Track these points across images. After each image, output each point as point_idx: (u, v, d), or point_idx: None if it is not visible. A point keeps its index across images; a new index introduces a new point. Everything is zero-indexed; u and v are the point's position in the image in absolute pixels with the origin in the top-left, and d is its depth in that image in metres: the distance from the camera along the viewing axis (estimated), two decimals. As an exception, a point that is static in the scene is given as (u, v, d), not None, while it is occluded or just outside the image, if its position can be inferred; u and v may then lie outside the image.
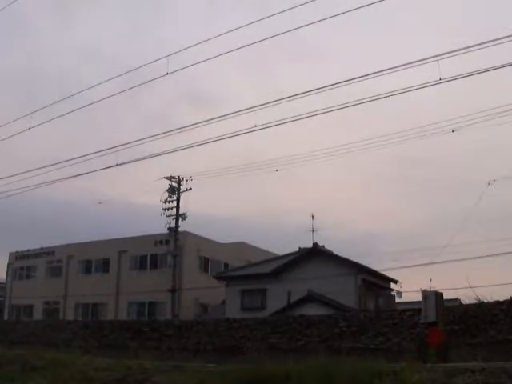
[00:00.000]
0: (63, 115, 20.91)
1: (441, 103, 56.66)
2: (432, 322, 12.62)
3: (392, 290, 32.86)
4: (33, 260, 46.18)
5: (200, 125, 17.55)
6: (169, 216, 33.33)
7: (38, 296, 41.37)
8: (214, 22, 74.71)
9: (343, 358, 10.70)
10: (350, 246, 68.18)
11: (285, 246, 69.32)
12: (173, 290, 32.73)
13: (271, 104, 15.33)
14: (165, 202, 33.45)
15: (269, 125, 16.00)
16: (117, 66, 77.62)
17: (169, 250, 33.70)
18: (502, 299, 15.77)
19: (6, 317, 44.23)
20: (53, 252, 44.76)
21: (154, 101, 79.14)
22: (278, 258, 33.46)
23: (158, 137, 18.31)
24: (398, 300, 32.03)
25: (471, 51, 12.33)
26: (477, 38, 35.56)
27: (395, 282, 31.98)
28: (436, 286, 18.82)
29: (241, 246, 41.36)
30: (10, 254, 47.81)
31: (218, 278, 33.89)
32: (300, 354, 14.27)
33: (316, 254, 30.78)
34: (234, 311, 28.98)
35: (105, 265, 41.19)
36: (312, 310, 23.42)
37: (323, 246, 31.70)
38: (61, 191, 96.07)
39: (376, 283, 30.69)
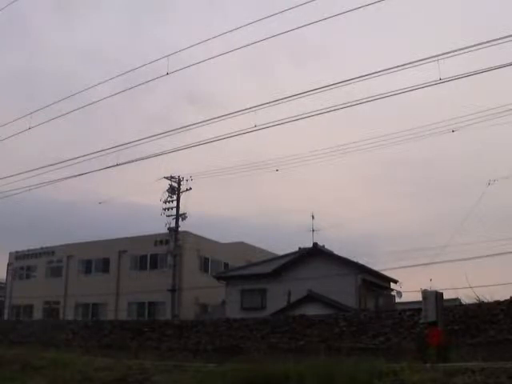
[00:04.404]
0: (63, 115, 20.97)
1: (441, 103, 56.73)
2: (432, 321, 12.62)
3: (392, 289, 32.89)
4: (33, 260, 46.17)
5: (200, 125, 17.61)
6: (169, 216, 33.38)
7: (38, 296, 41.36)
8: (214, 21, 74.79)
9: (343, 358, 10.68)
10: (350, 246, 68.26)
11: (285, 245, 69.46)
12: (173, 290, 32.73)
13: (271, 104, 15.35)
14: (165, 202, 33.50)
15: (269, 125, 16.05)
16: (117, 66, 77.65)
17: (169, 250, 33.71)
18: (502, 299, 15.77)
19: (6, 317, 44.19)
20: (53, 252, 44.76)
21: (154, 101, 79.24)
22: (278, 257, 33.48)
23: (158, 137, 18.34)
24: (397, 300, 32.06)
25: (471, 51, 12.35)
26: (477, 37, 35.66)
27: (395, 281, 32.02)
28: (436, 286, 18.79)
29: (241, 246, 41.37)
30: (10, 254, 47.80)
31: (218, 277, 33.89)
32: (300, 353, 14.25)
33: (316, 253, 30.78)
34: (234, 311, 28.98)
35: (105, 265, 41.19)
36: (312, 310, 23.41)
37: (323, 246, 31.71)
38: (61, 191, 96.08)
39: (376, 283, 30.70)
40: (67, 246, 43.22)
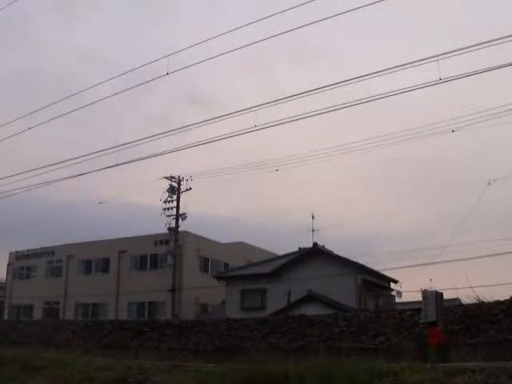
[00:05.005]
0: (63, 115, 20.97)
1: (441, 103, 56.74)
2: (432, 321, 12.62)
3: (392, 289, 32.88)
4: (33, 260, 46.16)
5: (200, 125, 17.63)
6: (169, 216, 33.41)
7: (38, 296, 41.36)
8: (214, 21, 74.80)
9: (343, 358, 10.68)
10: (350, 246, 68.26)
11: (285, 245, 69.43)
12: (173, 290, 32.74)
13: (271, 104, 15.36)
14: (165, 202, 33.53)
15: (269, 125, 16.05)
16: (117, 66, 77.67)
17: (169, 249, 33.72)
18: (502, 299, 15.77)
19: (6, 317, 44.19)
20: (53, 252, 44.76)
21: (154, 101, 79.24)
22: (278, 257, 33.47)
23: (158, 137, 18.35)
24: (397, 300, 32.05)
25: (471, 51, 12.35)
26: (477, 37, 35.66)
27: (395, 281, 32.01)
28: (436, 286, 18.77)
29: (241, 246, 41.36)
30: (10, 253, 47.78)
31: (218, 277, 33.88)
32: (300, 353, 14.25)
33: (316, 253, 30.77)
34: (234, 311, 28.98)
35: (105, 265, 41.19)
36: (312, 310, 23.40)
37: (323, 246, 31.70)
38: (61, 191, 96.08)
39: (376, 283, 30.69)
40: (67, 246, 43.21)
